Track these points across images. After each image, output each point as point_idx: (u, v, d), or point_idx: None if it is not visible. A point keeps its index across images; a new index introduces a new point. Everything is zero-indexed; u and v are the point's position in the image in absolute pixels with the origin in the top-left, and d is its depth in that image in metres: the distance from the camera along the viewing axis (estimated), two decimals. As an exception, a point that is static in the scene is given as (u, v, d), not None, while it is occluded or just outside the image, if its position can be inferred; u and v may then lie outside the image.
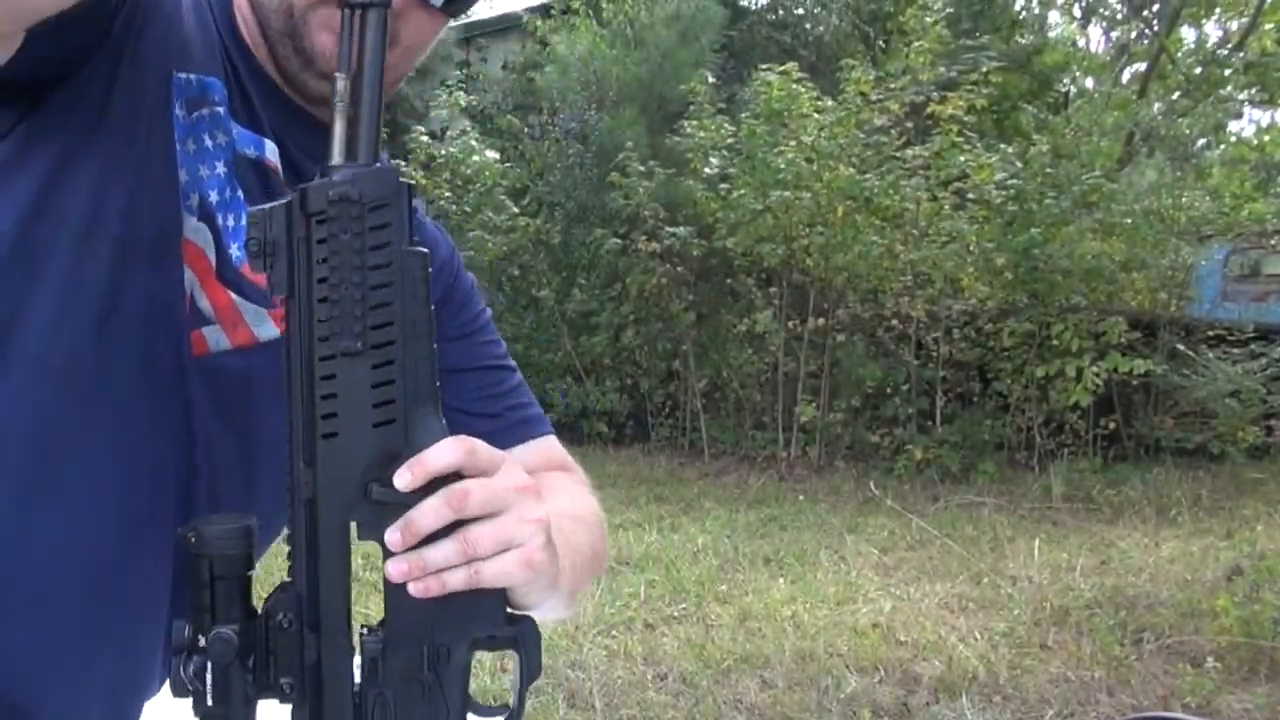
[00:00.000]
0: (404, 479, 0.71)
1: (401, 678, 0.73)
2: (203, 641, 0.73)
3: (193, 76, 0.86)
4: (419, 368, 0.74)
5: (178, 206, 0.86)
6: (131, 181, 0.83)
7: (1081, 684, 4.16)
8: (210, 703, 0.73)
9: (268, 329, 0.90)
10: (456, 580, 0.72)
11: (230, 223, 0.89)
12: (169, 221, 0.85)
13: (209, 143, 0.87)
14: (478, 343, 1.04)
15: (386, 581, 0.72)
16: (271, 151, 0.91)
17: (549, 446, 1.06)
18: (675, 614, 5.02)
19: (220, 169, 0.88)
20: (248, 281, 0.89)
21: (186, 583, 0.75)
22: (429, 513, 0.71)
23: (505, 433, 1.01)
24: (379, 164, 0.75)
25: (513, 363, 1.08)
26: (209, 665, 0.72)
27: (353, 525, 0.74)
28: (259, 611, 0.75)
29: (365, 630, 0.75)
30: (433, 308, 0.75)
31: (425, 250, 0.75)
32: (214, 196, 0.87)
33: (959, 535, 6.44)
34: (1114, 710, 3.95)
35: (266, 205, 0.74)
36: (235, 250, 0.88)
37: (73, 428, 0.82)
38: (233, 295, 0.88)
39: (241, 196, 0.89)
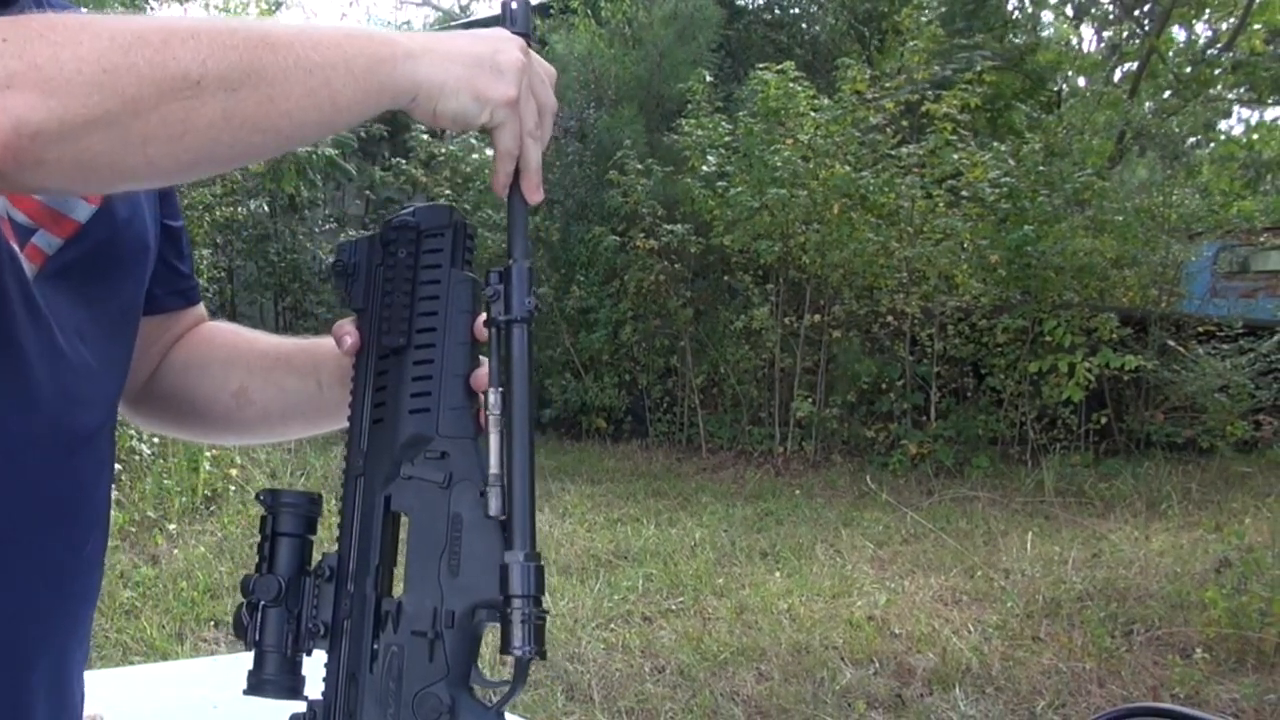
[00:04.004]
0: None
1: (411, 635, 0.82)
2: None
3: None
4: (458, 372, 0.85)
5: None
6: None
7: (1073, 675, 4.22)
8: (258, 638, 0.83)
9: (83, 208, 0.92)
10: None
11: None
12: None
13: None
14: (172, 191, 1.10)
15: (407, 549, 0.84)
16: None
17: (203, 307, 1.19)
18: (673, 607, 5.07)
19: None
20: None
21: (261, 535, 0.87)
22: None
23: (194, 289, 1.14)
24: (438, 203, 0.89)
25: None
26: (260, 605, 0.84)
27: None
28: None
29: (391, 597, 0.85)
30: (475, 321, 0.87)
31: (474, 278, 0.87)
32: None
33: (953, 529, 6.49)
34: (1104, 701, 4.00)
35: (355, 237, 0.88)
36: None
37: None
38: (38, 197, 0.90)
39: None
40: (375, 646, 0.83)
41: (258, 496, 0.88)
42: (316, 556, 0.86)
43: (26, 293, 0.87)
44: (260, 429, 1.15)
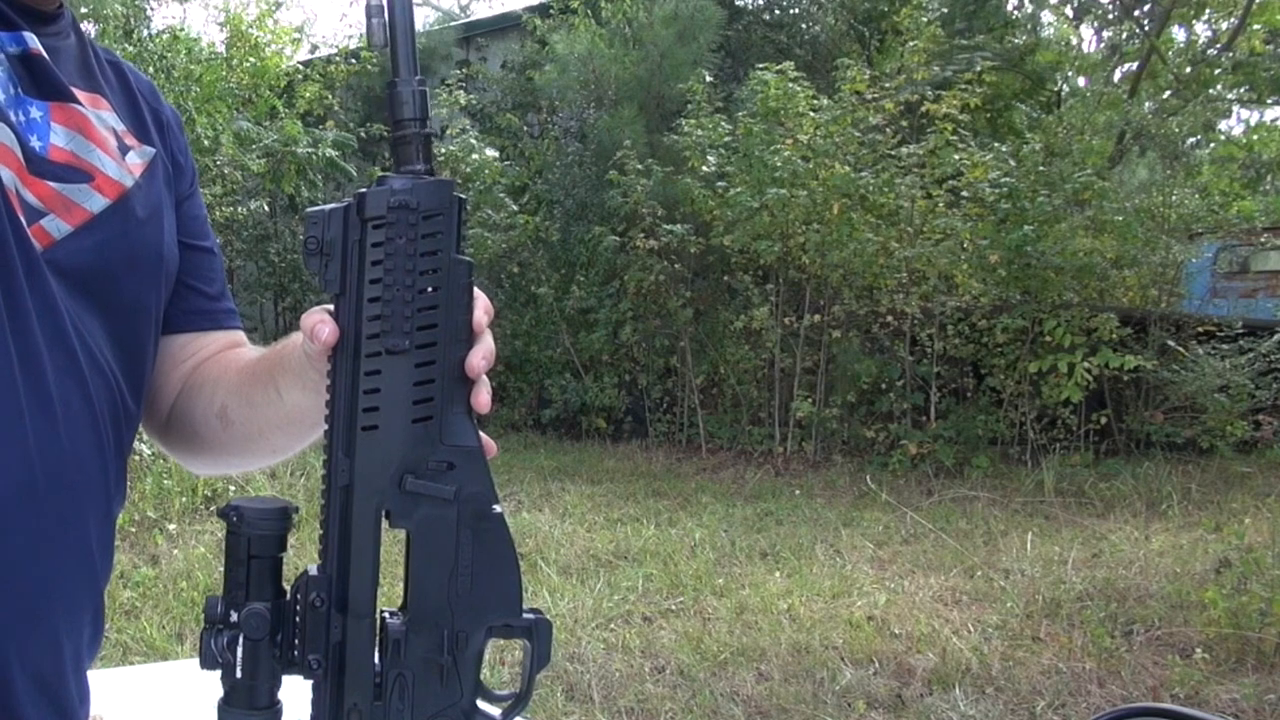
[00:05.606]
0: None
1: (421, 660, 0.76)
2: (235, 617, 0.77)
3: None
4: (456, 369, 0.78)
5: None
6: None
7: (1073, 675, 4.22)
8: (239, 675, 0.76)
9: (97, 200, 0.92)
10: None
11: (22, 119, 0.90)
12: None
13: None
14: (198, 216, 1.11)
15: (411, 569, 0.78)
16: (33, 40, 0.94)
17: (243, 336, 1.17)
18: (673, 607, 5.06)
19: None
20: (60, 165, 0.91)
21: (230, 558, 0.80)
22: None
23: (223, 315, 1.13)
24: (438, 177, 0.79)
25: (217, 245, 1.17)
26: (241, 639, 0.76)
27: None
28: (285, 591, 0.79)
29: (388, 613, 0.79)
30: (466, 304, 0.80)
31: (471, 260, 0.80)
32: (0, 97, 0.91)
33: (953, 529, 6.49)
34: (1104, 701, 3.99)
35: (325, 207, 0.78)
36: (36, 142, 0.91)
37: None
38: (51, 184, 0.90)
39: (23, 93, 0.92)
40: (378, 673, 0.77)
41: (222, 514, 0.80)
42: (288, 568, 0.80)
43: (30, 257, 0.86)
44: (244, 450, 1.09)
